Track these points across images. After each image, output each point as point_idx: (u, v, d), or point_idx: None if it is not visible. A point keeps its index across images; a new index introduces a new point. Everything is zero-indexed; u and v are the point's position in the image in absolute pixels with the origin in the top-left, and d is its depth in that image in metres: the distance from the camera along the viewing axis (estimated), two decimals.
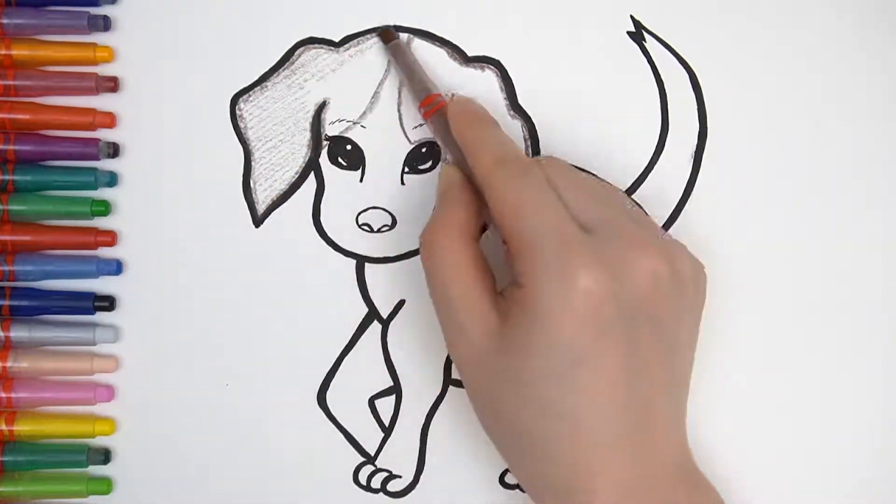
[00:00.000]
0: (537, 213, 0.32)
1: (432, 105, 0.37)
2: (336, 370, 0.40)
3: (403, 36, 0.39)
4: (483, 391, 0.34)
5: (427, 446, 0.40)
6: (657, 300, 0.32)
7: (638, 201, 0.39)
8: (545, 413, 0.31)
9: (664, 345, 0.33)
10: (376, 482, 0.40)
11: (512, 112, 0.39)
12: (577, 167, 0.37)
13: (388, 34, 0.39)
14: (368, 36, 0.39)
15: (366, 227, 0.40)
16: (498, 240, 0.37)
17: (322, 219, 0.40)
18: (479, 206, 0.35)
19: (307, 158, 0.40)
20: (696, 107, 0.40)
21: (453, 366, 0.39)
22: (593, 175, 0.37)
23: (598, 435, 0.31)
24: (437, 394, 0.40)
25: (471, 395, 0.35)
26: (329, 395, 0.40)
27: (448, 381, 0.40)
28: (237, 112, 0.40)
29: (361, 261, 0.40)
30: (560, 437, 0.31)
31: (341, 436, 0.40)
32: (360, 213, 0.40)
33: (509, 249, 0.33)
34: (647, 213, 0.37)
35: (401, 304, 0.40)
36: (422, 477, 0.40)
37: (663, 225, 0.40)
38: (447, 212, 0.35)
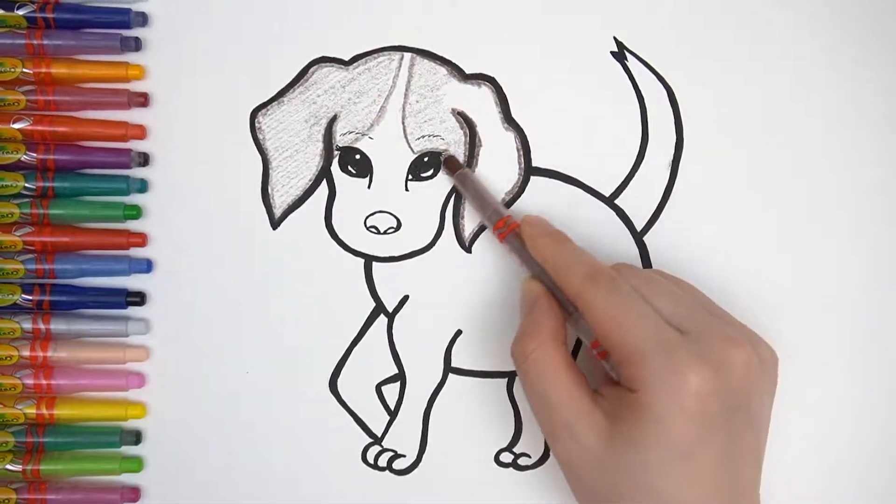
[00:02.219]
0: (638, 323, 0.33)
1: (505, 227, 0.39)
2: (346, 359, 0.41)
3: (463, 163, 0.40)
4: (593, 484, 0.34)
5: (429, 428, 0.42)
6: (750, 389, 0.34)
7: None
8: (657, 500, 0.33)
9: (753, 427, 0.34)
10: (383, 461, 0.42)
11: (506, 124, 0.41)
12: (654, 270, 0.39)
13: (453, 163, 0.40)
14: (376, 55, 0.41)
15: (373, 230, 0.41)
16: (586, 343, 0.38)
17: (333, 222, 0.41)
18: (563, 315, 0.37)
19: (320, 167, 0.41)
20: (673, 120, 0.41)
21: (452, 353, 0.41)
22: (660, 271, 0.39)
23: None
24: (438, 381, 0.42)
25: (577, 487, 0.36)
26: (340, 381, 0.42)
27: (448, 369, 0.42)
28: (256, 124, 0.41)
29: (369, 260, 0.41)
30: None
31: (351, 419, 0.42)
32: (367, 217, 0.41)
33: (612, 355, 0.34)
34: (717, 305, 0.37)
35: (405, 299, 0.41)
36: (424, 456, 0.42)
37: (644, 227, 0.41)
38: (538, 321, 0.36)
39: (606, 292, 0.35)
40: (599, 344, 0.36)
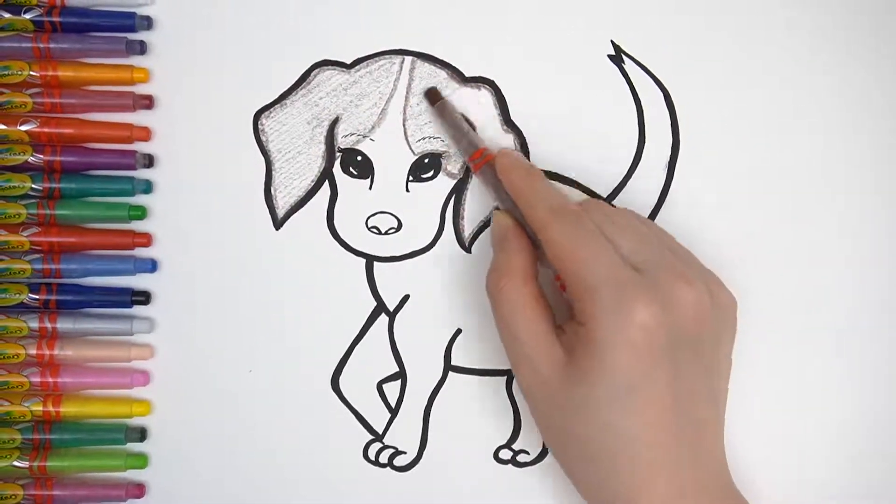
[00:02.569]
0: (593, 259, 0.34)
1: (481, 158, 0.39)
2: (348, 357, 0.42)
3: (447, 92, 0.41)
4: (550, 416, 0.36)
5: (429, 425, 0.42)
6: (700, 327, 0.35)
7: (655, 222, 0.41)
8: (606, 433, 0.34)
9: (704, 366, 0.35)
10: (384, 457, 0.42)
11: (505, 126, 0.41)
12: (613, 205, 0.40)
13: (434, 94, 0.41)
14: (377, 58, 0.41)
15: (374, 230, 0.42)
16: (549, 276, 0.39)
17: (335, 222, 0.42)
18: (533, 249, 0.38)
19: (322, 168, 0.42)
20: (669, 121, 0.42)
21: (452, 351, 0.42)
22: (630, 211, 0.39)
23: (652, 450, 0.34)
24: (438, 379, 0.42)
25: (537, 417, 0.37)
26: (342, 379, 0.42)
27: (447, 367, 0.42)
28: (259, 126, 0.41)
29: (370, 260, 0.42)
30: (620, 454, 0.34)
31: (352, 416, 0.42)
32: (369, 217, 0.41)
33: (567, 289, 0.35)
34: (682, 246, 0.38)
35: (406, 298, 0.42)
36: (424, 453, 0.42)
37: None
38: (507, 256, 0.37)
39: (568, 227, 0.36)
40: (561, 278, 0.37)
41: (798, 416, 0.41)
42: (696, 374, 0.35)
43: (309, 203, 0.42)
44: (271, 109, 0.42)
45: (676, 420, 0.34)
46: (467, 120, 0.41)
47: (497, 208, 0.40)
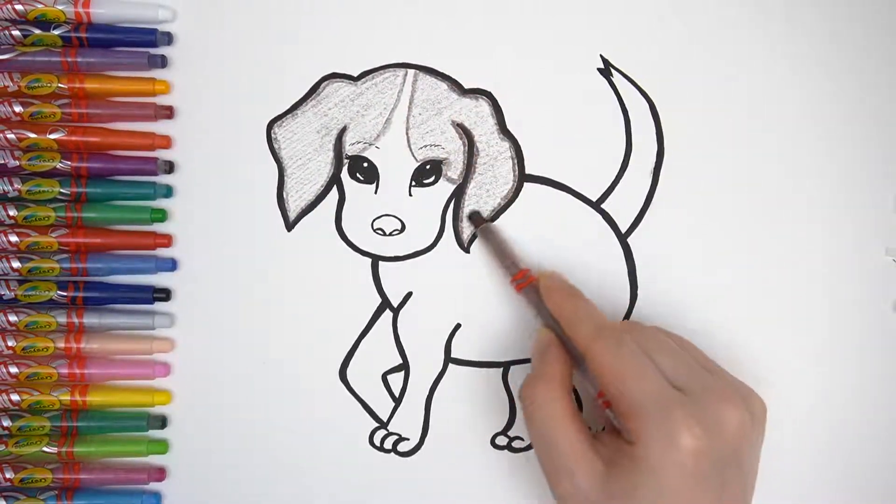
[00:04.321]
0: (639, 378, 0.34)
1: (524, 279, 0.40)
2: (354, 350, 0.43)
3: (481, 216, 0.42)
4: None
5: (430, 414, 0.43)
6: (743, 445, 0.35)
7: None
8: None
9: (742, 478, 0.35)
10: (388, 444, 0.43)
11: (501, 135, 0.42)
12: (656, 328, 0.39)
13: (478, 218, 0.41)
14: (382, 71, 0.42)
15: (379, 232, 0.42)
16: (590, 391, 0.39)
17: (343, 224, 0.43)
18: (571, 364, 0.38)
19: (331, 174, 0.42)
20: (654, 130, 0.43)
21: (452, 345, 0.43)
22: (661, 329, 0.39)
23: None
24: (439, 370, 0.43)
25: None
26: (349, 371, 0.43)
27: (448, 359, 0.43)
28: (272, 135, 0.42)
29: (376, 259, 0.43)
30: None
31: (359, 405, 0.43)
32: (374, 220, 0.42)
33: (613, 406, 0.36)
34: (713, 362, 0.38)
35: (409, 295, 0.43)
36: (426, 439, 0.43)
37: (627, 229, 0.42)
38: (547, 368, 0.37)
39: (613, 347, 0.36)
40: (604, 394, 0.37)
41: (777, 416, 0.40)
42: (736, 488, 0.35)
43: (319, 206, 0.43)
44: (283, 119, 0.42)
45: None
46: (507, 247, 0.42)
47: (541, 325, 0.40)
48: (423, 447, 0.44)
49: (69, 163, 0.42)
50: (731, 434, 0.34)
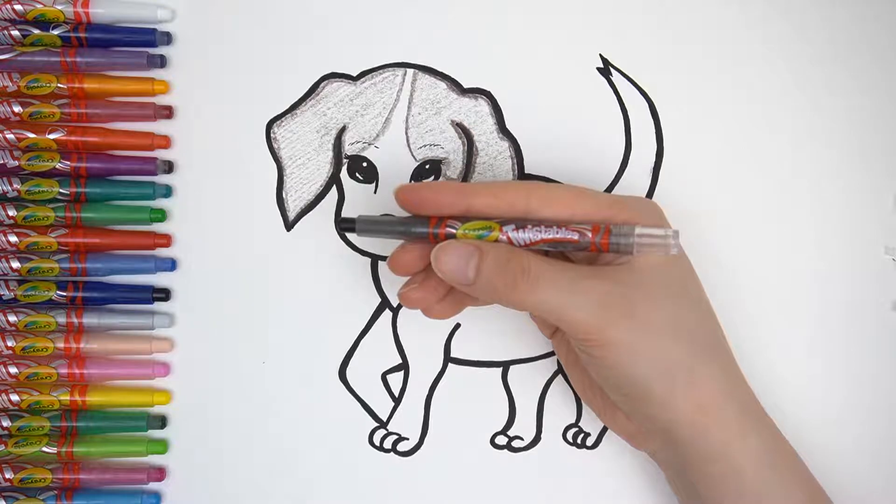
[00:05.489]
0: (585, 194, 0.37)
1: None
2: (354, 350, 0.43)
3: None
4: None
5: (430, 413, 0.43)
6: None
7: None
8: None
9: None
10: (388, 443, 0.43)
11: (500, 134, 0.43)
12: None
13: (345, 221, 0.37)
14: (381, 71, 0.42)
15: None
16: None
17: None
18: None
19: (330, 174, 0.43)
20: (654, 130, 0.43)
21: (452, 344, 0.43)
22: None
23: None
24: (439, 370, 0.43)
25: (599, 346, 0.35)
26: (348, 370, 0.43)
27: (447, 359, 0.43)
28: (272, 135, 0.42)
29: (375, 259, 0.43)
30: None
31: (358, 405, 0.43)
32: None
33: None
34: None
35: None
36: (426, 439, 0.43)
37: None
38: (499, 246, 0.35)
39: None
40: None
41: (773, 413, 0.40)
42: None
43: (318, 206, 0.43)
44: (283, 119, 0.43)
45: (717, 321, 0.38)
46: None
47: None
48: (422, 447, 0.44)
49: (68, 163, 0.42)
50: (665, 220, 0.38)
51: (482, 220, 0.36)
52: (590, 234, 0.35)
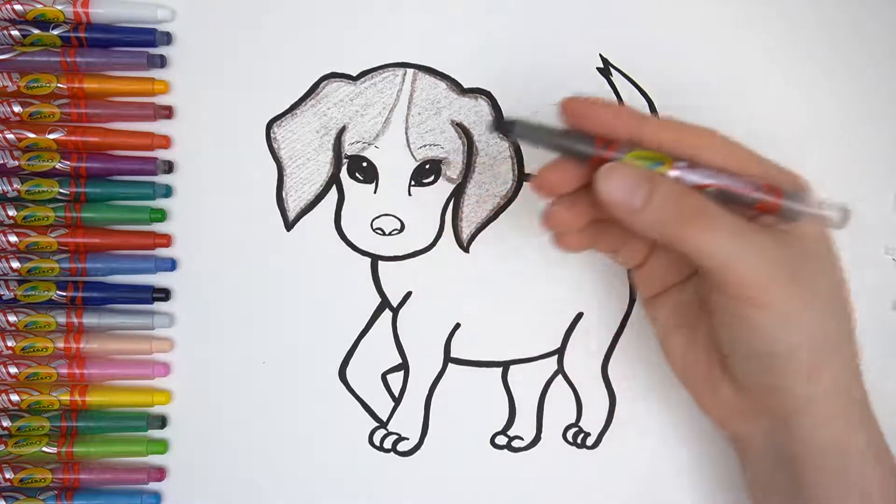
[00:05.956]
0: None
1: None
2: (354, 350, 0.43)
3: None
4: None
5: (430, 413, 0.43)
6: None
7: None
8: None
9: None
10: (388, 443, 0.43)
11: (500, 134, 0.43)
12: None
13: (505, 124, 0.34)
14: (381, 71, 0.43)
15: (379, 231, 0.43)
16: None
17: (342, 224, 0.43)
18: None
19: (330, 174, 0.43)
20: None
21: (452, 344, 0.43)
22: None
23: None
24: (439, 370, 0.43)
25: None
26: (348, 370, 0.43)
27: (447, 359, 0.43)
28: (271, 135, 0.42)
29: (375, 259, 0.43)
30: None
31: (358, 405, 0.43)
32: (374, 220, 0.43)
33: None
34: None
35: (408, 295, 0.43)
36: (426, 439, 0.43)
37: None
38: (665, 178, 0.33)
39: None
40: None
41: None
42: None
43: (318, 206, 0.43)
44: (283, 119, 0.43)
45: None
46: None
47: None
48: (422, 447, 0.44)
49: (68, 163, 0.42)
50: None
51: (653, 151, 0.33)
52: (763, 191, 0.33)
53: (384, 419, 0.44)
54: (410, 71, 0.43)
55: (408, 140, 0.43)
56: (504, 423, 0.44)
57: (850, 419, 0.35)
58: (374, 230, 0.43)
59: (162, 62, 0.42)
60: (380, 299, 0.43)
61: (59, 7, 0.41)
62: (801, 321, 0.34)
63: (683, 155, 0.33)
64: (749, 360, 0.35)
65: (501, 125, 0.34)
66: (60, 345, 0.42)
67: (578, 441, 0.44)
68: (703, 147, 0.34)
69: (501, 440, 0.44)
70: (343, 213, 0.43)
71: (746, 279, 0.33)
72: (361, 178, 0.43)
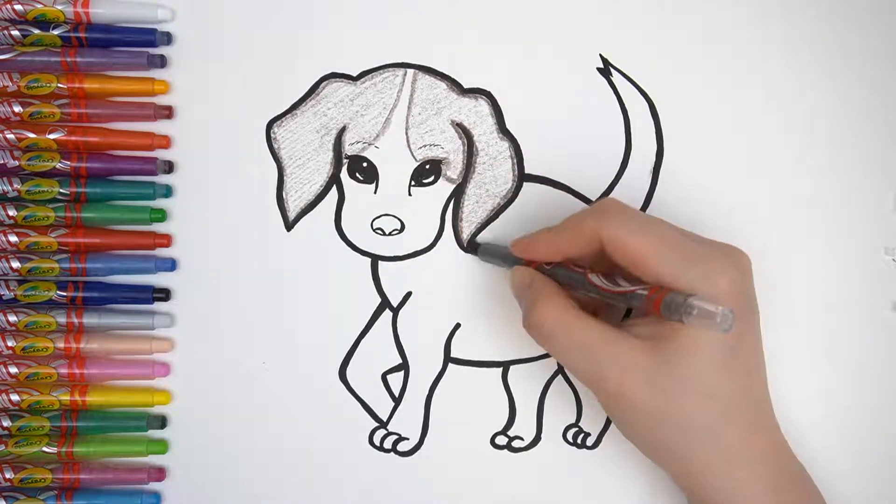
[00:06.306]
0: (664, 240, 0.36)
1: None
2: (354, 350, 0.43)
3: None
4: (646, 404, 0.35)
5: (430, 413, 0.43)
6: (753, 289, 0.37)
7: None
8: (709, 403, 0.35)
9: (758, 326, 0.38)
10: (388, 443, 0.43)
11: (500, 135, 0.43)
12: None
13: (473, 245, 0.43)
14: (381, 71, 0.43)
15: (379, 231, 0.43)
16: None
17: (343, 224, 0.43)
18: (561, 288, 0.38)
19: (330, 174, 0.43)
20: (654, 130, 0.43)
21: (452, 344, 0.43)
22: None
23: (750, 412, 0.37)
24: (439, 370, 0.43)
25: (630, 418, 0.36)
26: (348, 370, 0.43)
27: (447, 359, 0.43)
28: (272, 135, 0.43)
29: (375, 259, 0.43)
30: (719, 419, 0.36)
31: (358, 405, 0.43)
32: (374, 220, 0.43)
33: (647, 276, 0.35)
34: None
35: (408, 295, 0.43)
36: (426, 439, 0.43)
37: None
38: (542, 289, 0.37)
39: (621, 219, 0.36)
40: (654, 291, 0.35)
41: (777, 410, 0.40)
42: (758, 333, 0.37)
43: (318, 206, 0.43)
44: (283, 119, 0.43)
45: (755, 376, 0.37)
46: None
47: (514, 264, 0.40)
48: (422, 447, 0.44)
49: (68, 163, 0.42)
50: (749, 277, 0.36)
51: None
52: (645, 295, 0.34)
53: (384, 419, 0.44)
54: (410, 71, 0.43)
55: (408, 140, 0.43)
56: (504, 423, 0.44)
57: None
58: (374, 230, 0.43)
59: (162, 62, 0.43)
60: (380, 299, 0.43)
61: (60, 7, 0.41)
62: (669, 414, 0.35)
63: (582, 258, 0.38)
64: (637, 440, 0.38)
65: (471, 244, 0.43)
66: (61, 345, 0.42)
67: (578, 441, 0.44)
68: (586, 251, 0.37)
69: (501, 440, 0.44)
70: (343, 213, 0.43)
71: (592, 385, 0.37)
72: (361, 178, 0.43)
